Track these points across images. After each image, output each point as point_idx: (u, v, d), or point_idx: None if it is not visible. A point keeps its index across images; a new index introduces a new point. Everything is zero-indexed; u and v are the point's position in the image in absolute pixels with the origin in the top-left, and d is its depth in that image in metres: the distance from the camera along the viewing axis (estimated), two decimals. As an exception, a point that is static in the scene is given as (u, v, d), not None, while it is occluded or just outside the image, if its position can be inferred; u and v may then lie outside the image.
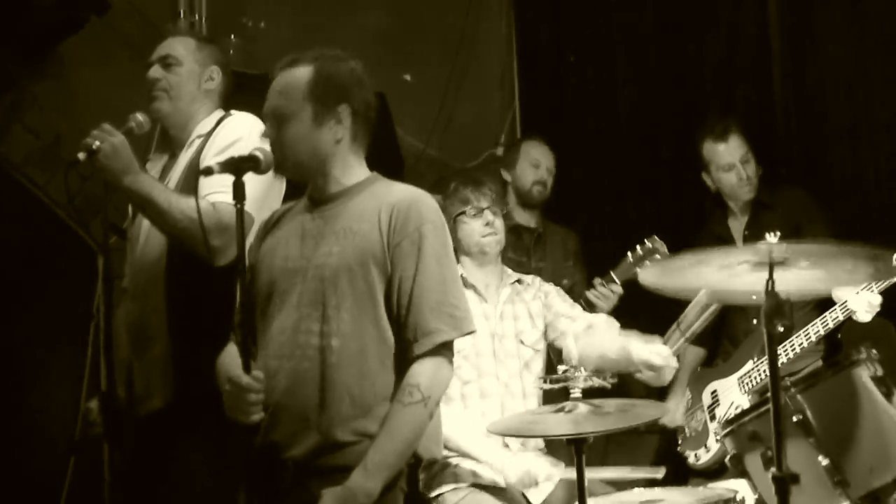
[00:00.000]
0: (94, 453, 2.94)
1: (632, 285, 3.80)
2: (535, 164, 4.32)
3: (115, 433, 2.69)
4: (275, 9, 4.66)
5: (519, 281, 3.45)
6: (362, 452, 2.39)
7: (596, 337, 3.26)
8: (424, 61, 5.15)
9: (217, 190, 2.68)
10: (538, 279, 3.53)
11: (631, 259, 3.79)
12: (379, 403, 2.43)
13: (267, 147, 2.52)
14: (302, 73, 2.51)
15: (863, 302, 3.45)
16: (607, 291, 3.83)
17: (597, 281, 3.86)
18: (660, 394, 4.18)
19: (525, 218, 4.38)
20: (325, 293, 2.45)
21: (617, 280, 3.83)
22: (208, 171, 2.43)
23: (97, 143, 2.68)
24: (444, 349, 2.46)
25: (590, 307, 3.85)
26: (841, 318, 3.53)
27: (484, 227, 3.34)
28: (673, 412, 3.99)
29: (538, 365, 3.35)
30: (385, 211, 2.48)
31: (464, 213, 3.36)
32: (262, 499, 2.41)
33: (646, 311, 3.34)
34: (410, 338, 2.44)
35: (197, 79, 3.02)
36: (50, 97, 3.97)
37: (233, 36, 4.50)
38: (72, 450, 3.07)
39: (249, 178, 2.47)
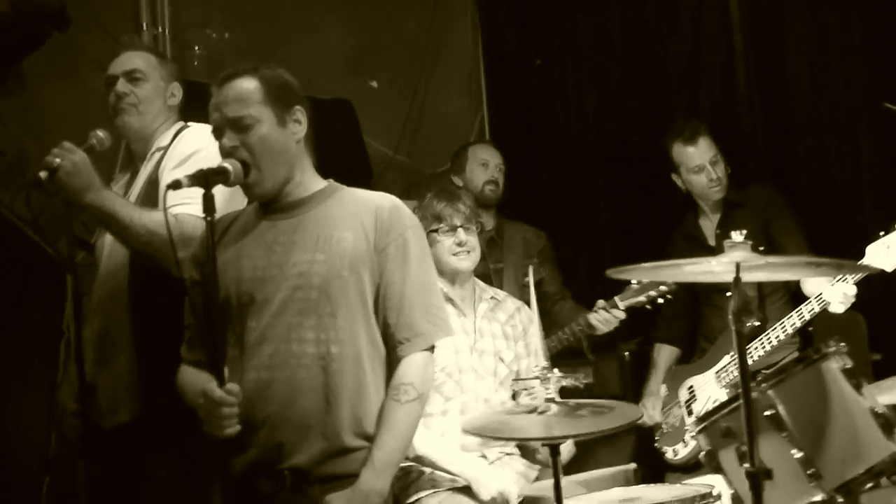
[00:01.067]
0: (68, 472, 2.92)
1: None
2: (483, 164, 4.33)
3: (90, 449, 2.68)
4: (238, 20, 4.64)
5: (494, 298, 3.45)
6: (361, 459, 2.43)
7: None
8: (391, 68, 5.15)
9: (179, 202, 2.67)
10: (513, 300, 3.53)
11: (635, 286, 3.79)
12: (374, 404, 2.48)
13: (230, 159, 2.51)
14: (249, 82, 2.53)
15: (838, 293, 3.47)
16: (609, 317, 3.82)
17: (599, 304, 3.84)
18: (636, 391, 4.22)
19: None
20: (316, 301, 2.46)
21: (620, 306, 3.83)
22: (177, 185, 2.41)
23: (58, 160, 2.68)
24: (431, 347, 2.56)
25: (589, 328, 3.86)
26: (817, 309, 3.56)
27: (455, 246, 3.33)
28: (649, 410, 4.01)
29: (508, 384, 3.38)
30: (367, 218, 2.51)
31: (436, 230, 3.35)
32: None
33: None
34: (402, 339, 2.51)
35: (162, 94, 3.05)
36: (12, 113, 3.93)
37: (196, 48, 4.48)
38: (45, 469, 3.04)
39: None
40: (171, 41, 4.34)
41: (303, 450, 2.43)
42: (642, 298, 3.79)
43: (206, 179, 2.42)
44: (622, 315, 3.83)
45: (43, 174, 2.69)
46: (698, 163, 3.96)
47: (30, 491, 3.50)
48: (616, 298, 3.84)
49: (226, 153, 2.51)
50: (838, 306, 3.49)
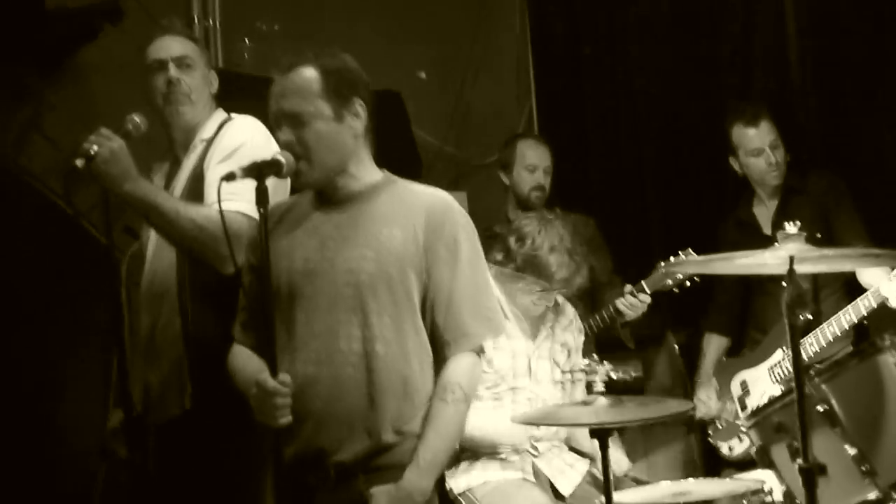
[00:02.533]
0: (123, 462, 2.97)
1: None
2: (530, 169, 4.26)
3: (137, 442, 2.70)
4: (288, 12, 4.67)
5: (556, 304, 3.39)
6: (406, 451, 2.43)
7: None
8: (439, 58, 5.15)
9: (224, 198, 2.62)
10: (571, 307, 3.48)
11: (662, 270, 3.76)
12: (421, 403, 2.47)
13: (279, 150, 2.50)
14: (309, 74, 2.50)
15: (894, 288, 3.41)
16: (636, 301, 3.81)
17: (627, 289, 3.83)
18: (685, 383, 4.18)
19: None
20: (363, 299, 2.46)
21: (647, 290, 3.80)
22: (231, 177, 2.41)
23: (95, 147, 2.63)
24: (480, 348, 2.54)
25: (618, 314, 3.84)
26: (874, 304, 3.49)
27: (543, 306, 3.26)
28: (706, 403, 3.97)
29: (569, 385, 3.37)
30: (419, 216, 2.49)
31: (535, 289, 3.23)
32: (296, 501, 2.44)
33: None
34: (449, 339, 2.49)
35: (208, 83, 3.00)
36: (67, 106, 4.00)
37: (247, 39, 4.51)
38: (102, 458, 3.08)
39: (248, 182, 2.44)
40: (221, 33, 4.38)
41: (347, 447, 2.44)
42: (669, 282, 3.76)
43: (259, 171, 2.41)
44: (648, 300, 3.81)
45: (79, 162, 2.63)
46: (758, 145, 3.90)
47: (86, 480, 3.58)
48: (643, 282, 3.82)
49: (281, 146, 2.51)
50: None
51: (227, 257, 2.62)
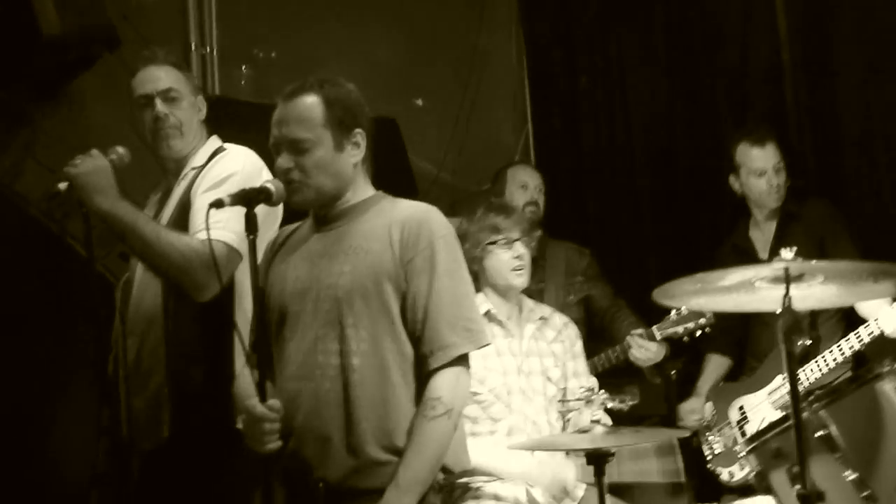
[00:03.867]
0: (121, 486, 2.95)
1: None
2: (523, 186, 4.26)
3: (121, 469, 2.67)
4: (285, 39, 4.69)
5: (543, 318, 3.42)
6: (391, 473, 2.40)
7: None
8: (436, 86, 5.17)
9: (213, 227, 2.62)
10: (560, 316, 3.51)
11: (673, 317, 3.75)
12: (404, 417, 2.44)
13: (273, 179, 2.51)
14: (313, 102, 2.52)
15: (893, 317, 3.41)
16: (647, 344, 3.78)
17: (637, 332, 3.81)
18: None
19: None
20: (340, 312, 2.46)
21: (657, 337, 3.79)
22: (220, 204, 2.41)
23: (77, 162, 2.64)
24: (462, 360, 2.48)
25: (625, 357, 3.82)
26: (876, 332, 3.49)
27: (514, 260, 3.29)
28: (688, 413, 3.96)
29: (571, 383, 3.35)
30: (395, 228, 2.49)
31: (494, 242, 3.31)
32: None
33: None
34: (427, 352, 2.46)
35: (195, 111, 2.99)
36: (64, 133, 3.99)
37: (244, 67, 4.53)
38: (93, 483, 3.06)
39: (234, 211, 2.45)
40: (218, 61, 4.39)
41: (328, 462, 2.42)
42: (680, 330, 3.74)
43: (248, 199, 2.42)
44: (654, 346, 3.78)
45: (62, 185, 2.64)
46: (762, 166, 3.91)
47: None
48: (654, 328, 3.80)
49: (280, 171, 2.52)
50: (894, 330, 3.43)
51: (203, 284, 2.63)
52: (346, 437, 2.42)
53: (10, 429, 3.74)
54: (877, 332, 3.48)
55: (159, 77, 2.94)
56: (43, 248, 3.86)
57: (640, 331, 3.81)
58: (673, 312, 3.75)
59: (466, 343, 2.47)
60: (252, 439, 2.37)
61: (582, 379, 3.40)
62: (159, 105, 2.92)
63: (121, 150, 2.83)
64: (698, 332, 3.74)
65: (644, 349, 3.79)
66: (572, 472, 3.16)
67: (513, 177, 4.31)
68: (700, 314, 3.72)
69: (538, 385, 3.32)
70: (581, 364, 3.46)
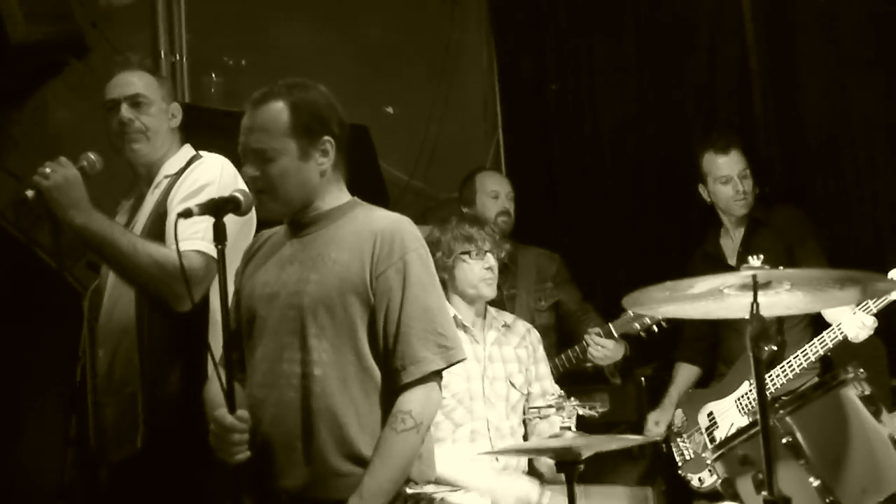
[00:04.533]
0: (81, 499, 2.92)
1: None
2: (493, 196, 4.21)
3: (88, 481, 2.65)
4: (254, 46, 4.67)
5: (505, 324, 3.45)
6: (353, 486, 2.37)
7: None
8: (406, 94, 5.17)
9: (184, 238, 2.61)
10: (522, 322, 3.54)
11: (630, 314, 3.76)
12: (363, 432, 2.41)
13: (244, 189, 2.51)
14: (279, 109, 2.47)
15: (857, 323, 3.46)
16: (604, 343, 3.79)
17: (594, 330, 3.82)
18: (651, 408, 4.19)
19: None
20: (303, 321, 2.43)
21: (615, 333, 3.80)
22: (188, 213, 2.39)
23: (48, 171, 2.60)
24: (434, 375, 2.45)
25: (584, 357, 3.83)
26: (840, 337, 3.54)
27: (484, 271, 3.33)
28: (654, 423, 3.98)
29: (521, 406, 3.37)
30: (367, 240, 2.46)
31: (467, 253, 3.33)
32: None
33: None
34: (398, 366, 2.42)
35: (166, 117, 2.96)
36: (31, 140, 3.96)
37: (213, 74, 4.51)
38: (60, 495, 3.03)
39: (210, 220, 2.42)
40: (188, 68, 4.37)
41: (289, 472, 2.41)
42: (636, 325, 3.77)
43: (217, 209, 2.40)
44: (609, 344, 3.79)
45: (30, 192, 2.61)
46: (726, 173, 3.94)
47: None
48: (610, 325, 3.82)
49: (247, 182, 2.51)
50: (859, 335, 3.47)
51: (183, 296, 2.61)
52: (305, 446, 2.40)
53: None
54: (840, 338, 3.53)
55: (129, 82, 2.93)
56: (10, 257, 3.83)
57: (596, 329, 3.83)
58: (629, 311, 3.75)
59: (438, 359, 2.44)
60: (220, 450, 2.36)
61: (545, 382, 3.43)
62: (124, 110, 2.90)
63: (91, 156, 2.80)
64: (655, 328, 3.76)
65: (601, 347, 3.81)
66: (535, 486, 3.17)
67: (482, 185, 4.27)
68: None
69: (501, 391, 3.33)
70: (543, 368, 3.49)
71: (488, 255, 3.34)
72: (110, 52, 3.97)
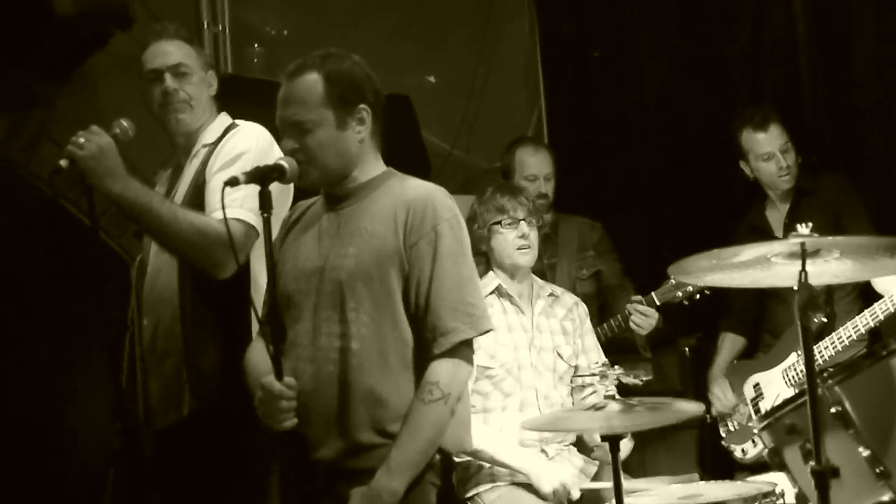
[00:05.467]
0: (134, 465, 2.97)
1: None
2: (530, 179, 4.13)
3: (133, 448, 2.68)
4: (296, 16, 4.67)
5: (552, 294, 3.44)
6: (385, 456, 2.40)
7: None
8: (448, 62, 5.15)
9: (229, 205, 2.60)
10: (570, 295, 3.52)
11: (672, 282, 3.73)
12: (401, 403, 2.43)
13: (284, 156, 2.51)
14: (313, 80, 2.49)
15: None
16: (645, 312, 3.78)
17: (636, 299, 3.80)
18: (696, 388, 4.17)
19: None
20: (342, 295, 2.45)
21: (657, 302, 3.78)
22: (234, 182, 2.40)
23: (81, 141, 2.60)
24: (463, 346, 2.46)
25: (626, 327, 3.81)
26: (891, 309, 3.48)
27: (518, 240, 3.31)
28: (721, 399, 3.95)
29: (568, 378, 3.37)
30: (401, 210, 2.47)
31: (499, 223, 3.32)
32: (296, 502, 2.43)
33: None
34: (429, 337, 2.44)
35: (205, 86, 2.96)
36: (77, 112, 4.00)
37: (256, 45, 4.52)
38: (110, 461, 3.09)
39: (250, 188, 2.44)
40: (230, 39, 4.39)
41: (326, 443, 2.43)
42: (679, 294, 3.74)
43: (262, 177, 2.41)
44: (654, 313, 3.78)
45: (64, 162, 2.60)
46: (768, 150, 3.88)
47: (95, 483, 3.58)
48: (653, 294, 3.79)
49: (285, 153, 2.52)
50: None
51: (223, 263, 2.63)
52: (341, 419, 2.42)
53: (28, 406, 3.78)
54: (892, 310, 3.47)
55: (169, 52, 2.92)
56: (58, 227, 3.89)
57: (638, 298, 3.81)
58: (671, 278, 3.72)
59: (468, 329, 2.45)
60: (268, 416, 2.38)
61: (592, 355, 3.42)
62: (168, 80, 2.89)
63: (124, 122, 2.79)
64: (697, 296, 3.74)
65: (644, 316, 3.78)
66: (576, 475, 3.19)
67: (520, 165, 4.17)
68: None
69: (549, 361, 3.34)
70: (590, 340, 3.48)
71: (521, 223, 3.31)
72: (154, 23, 3.99)
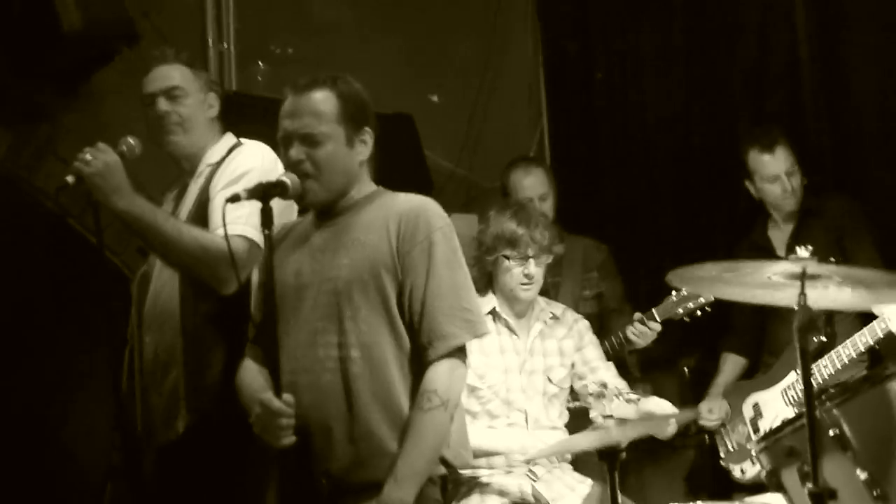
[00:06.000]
0: (132, 480, 2.97)
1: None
2: (526, 202, 4.05)
3: (132, 464, 2.68)
4: (301, 35, 4.70)
5: (553, 316, 3.43)
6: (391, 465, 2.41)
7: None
8: (451, 81, 5.17)
9: (228, 222, 2.63)
10: (572, 313, 3.52)
11: (674, 298, 3.74)
12: (405, 410, 2.45)
13: (290, 174, 2.53)
14: (327, 97, 2.54)
15: None
16: (645, 329, 3.77)
17: (637, 316, 3.80)
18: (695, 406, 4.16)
19: None
20: (339, 305, 2.48)
21: (658, 318, 3.78)
22: (235, 198, 2.43)
23: (88, 158, 2.64)
24: (458, 352, 2.49)
25: (627, 342, 3.81)
26: (881, 335, 3.49)
27: (523, 276, 3.29)
28: (707, 416, 3.94)
29: (561, 400, 3.37)
30: (393, 221, 2.51)
31: (507, 256, 3.31)
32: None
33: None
34: (425, 342, 2.47)
35: (203, 108, 2.98)
36: (82, 128, 4.02)
37: (260, 62, 4.55)
38: (108, 475, 3.09)
39: (253, 205, 2.47)
40: (235, 57, 4.42)
41: (331, 455, 2.44)
42: (680, 310, 3.74)
43: (264, 193, 2.43)
44: (658, 328, 3.78)
45: (70, 178, 2.64)
46: (774, 172, 3.88)
47: (93, 497, 3.59)
48: (654, 310, 3.80)
49: (290, 165, 2.53)
50: None
51: (226, 279, 2.65)
52: (349, 427, 2.43)
53: (28, 419, 3.78)
54: (881, 335, 3.47)
55: (165, 76, 2.96)
56: (61, 242, 3.90)
57: (639, 315, 3.81)
58: (673, 294, 3.73)
59: (464, 333, 2.49)
60: (266, 433, 2.39)
61: (600, 372, 3.38)
62: (161, 103, 2.93)
63: (131, 140, 2.83)
64: (698, 312, 3.74)
65: (644, 329, 3.77)
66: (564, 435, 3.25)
67: (515, 187, 4.13)
68: (699, 294, 3.70)
69: (539, 384, 3.34)
70: (593, 352, 3.44)
71: (530, 261, 3.29)
72: (160, 40, 4.02)
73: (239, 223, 2.68)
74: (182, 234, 2.71)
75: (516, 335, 3.36)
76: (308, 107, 2.53)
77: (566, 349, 3.41)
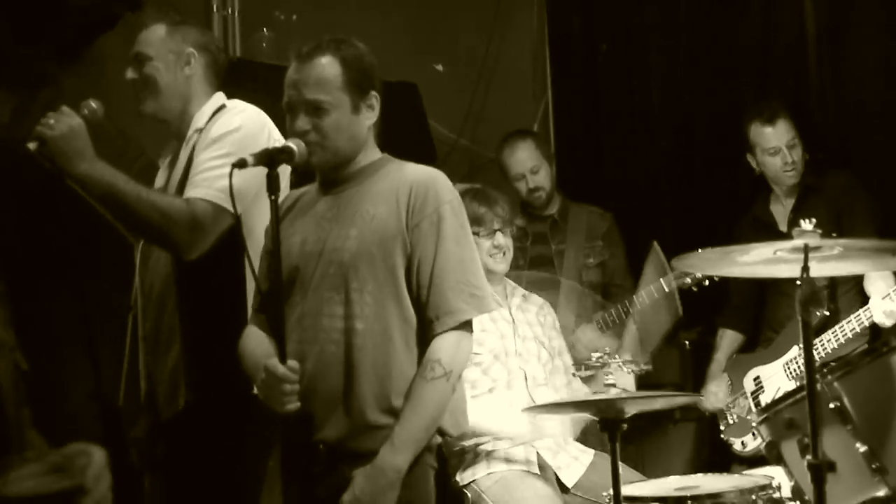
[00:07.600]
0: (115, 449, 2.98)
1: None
2: (518, 178, 4.16)
3: (116, 438, 2.68)
4: (306, 2, 4.68)
5: (523, 296, 3.51)
6: (388, 437, 2.42)
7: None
8: (456, 51, 5.15)
9: (198, 185, 2.62)
10: (537, 297, 3.57)
11: (679, 270, 3.75)
12: (405, 382, 2.45)
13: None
14: (331, 64, 2.51)
15: (885, 309, 3.47)
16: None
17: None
18: (696, 381, 4.18)
19: None
20: (346, 277, 2.47)
21: (666, 288, 3.81)
22: (242, 164, 2.40)
23: (51, 121, 2.58)
24: (465, 325, 2.49)
25: (630, 310, 3.84)
26: (867, 324, 3.56)
27: (493, 249, 3.36)
28: (715, 395, 3.96)
29: (557, 362, 3.40)
30: (403, 193, 2.49)
31: (476, 233, 3.34)
32: (299, 484, 2.45)
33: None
34: (432, 316, 2.47)
35: (173, 68, 2.85)
36: (86, 93, 3.99)
37: (265, 29, 4.53)
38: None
39: (223, 170, 2.43)
40: (240, 23, 4.39)
41: (330, 424, 2.45)
42: (687, 281, 3.76)
43: (270, 159, 2.41)
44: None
45: (32, 145, 2.59)
46: (774, 145, 3.89)
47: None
48: (662, 280, 3.81)
49: (297, 133, 2.51)
50: (884, 322, 3.47)
51: (186, 244, 2.62)
52: (346, 399, 2.44)
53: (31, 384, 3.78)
54: (867, 324, 3.55)
55: (137, 42, 2.89)
56: (65, 208, 3.89)
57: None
58: (661, 280, 3.78)
59: (471, 308, 2.48)
60: (270, 399, 2.39)
61: (565, 357, 3.49)
62: (128, 72, 2.87)
63: (93, 104, 2.75)
64: (706, 281, 3.76)
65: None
66: (560, 428, 3.27)
67: (507, 166, 4.17)
68: (685, 274, 3.74)
69: (532, 348, 3.39)
70: (560, 342, 3.54)
71: (497, 233, 3.35)
72: (164, 4, 3.99)
73: (203, 186, 2.64)
74: (141, 198, 2.64)
75: (500, 305, 3.39)
76: (312, 75, 2.51)
77: (543, 322, 3.48)
